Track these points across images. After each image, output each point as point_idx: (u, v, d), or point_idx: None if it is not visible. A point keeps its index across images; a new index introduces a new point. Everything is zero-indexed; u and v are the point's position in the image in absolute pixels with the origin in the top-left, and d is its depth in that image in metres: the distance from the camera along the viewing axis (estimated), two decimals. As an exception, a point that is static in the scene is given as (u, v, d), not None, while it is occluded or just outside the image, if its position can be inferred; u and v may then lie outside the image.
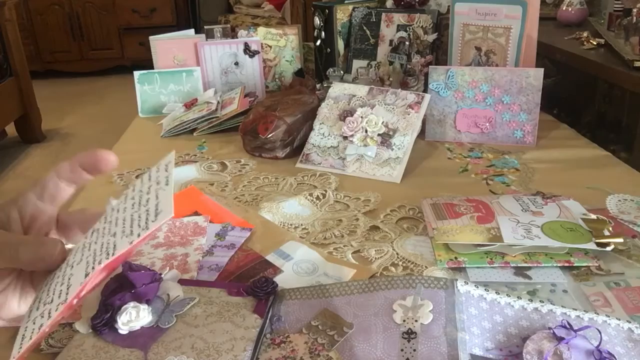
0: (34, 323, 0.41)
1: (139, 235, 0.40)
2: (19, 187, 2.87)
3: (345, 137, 1.15)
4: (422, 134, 1.25)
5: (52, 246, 0.42)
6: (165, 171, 0.43)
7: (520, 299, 0.65)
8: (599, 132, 1.68)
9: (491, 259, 0.77)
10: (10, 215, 0.44)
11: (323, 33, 1.62)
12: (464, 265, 0.77)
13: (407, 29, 1.50)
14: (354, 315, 0.65)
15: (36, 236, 0.44)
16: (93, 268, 0.40)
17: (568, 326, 0.60)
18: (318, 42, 1.65)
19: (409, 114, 1.14)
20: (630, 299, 0.69)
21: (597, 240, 0.77)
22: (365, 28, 1.58)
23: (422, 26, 1.47)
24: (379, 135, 1.12)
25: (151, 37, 1.60)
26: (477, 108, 1.25)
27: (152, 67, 1.58)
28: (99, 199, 1.02)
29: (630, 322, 0.62)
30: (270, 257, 0.81)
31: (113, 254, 0.40)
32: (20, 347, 0.40)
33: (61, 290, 0.42)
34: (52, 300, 0.42)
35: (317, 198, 1.00)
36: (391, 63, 1.54)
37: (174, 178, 0.42)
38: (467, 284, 0.66)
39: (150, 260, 0.80)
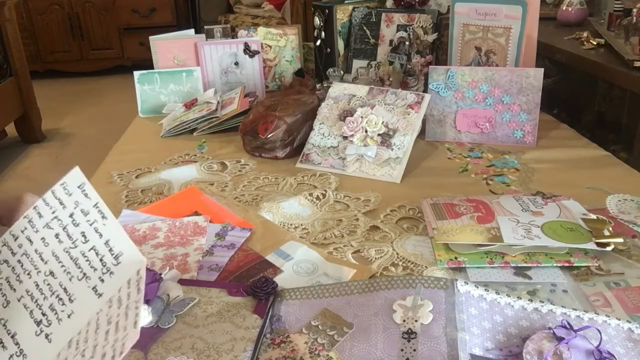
0: None
1: (102, 281, 0.41)
2: (19, 187, 2.87)
3: (345, 137, 1.15)
4: (422, 134, 1.25)
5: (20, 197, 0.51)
6: (86, 197, 0.45)
7: (520, 299, 0.65)
8: (599, 132, 1.68)
9: (491, 259, 0.77)
10: None
11: (323, 33, 1.62)
12: (464, 265, 0.77)
13: (407, 29, 1.50)
14: (354, 315, 0.65)
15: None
16: (60, 320, 0.41)
17: (568, 326, 0.60)
18: (318, 42, 1.65)
19: (409, 114, 1.14)
20: (630, 299, 0.69)
21: (597, 240, 0.77)
22: (365, 28, 1.58)
23: (422, 26, 1.47)
24: (379, 135, 1.12)
25: (151, 37, 1.60)
26: (477, 108, 1.25)
27: (152, 67, 1.58)
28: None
29: (630, 322, 0.62)
30: (270, 257, 0.81)
31: (71, 300, 0.42)
32: None
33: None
34: None
35: (317, 198, 1.00)
36: (391, 63, 1.54)
37: (106, 207, 0.44)
38: (467, 284, 0.66)
39: (150, 260, 0.80)
